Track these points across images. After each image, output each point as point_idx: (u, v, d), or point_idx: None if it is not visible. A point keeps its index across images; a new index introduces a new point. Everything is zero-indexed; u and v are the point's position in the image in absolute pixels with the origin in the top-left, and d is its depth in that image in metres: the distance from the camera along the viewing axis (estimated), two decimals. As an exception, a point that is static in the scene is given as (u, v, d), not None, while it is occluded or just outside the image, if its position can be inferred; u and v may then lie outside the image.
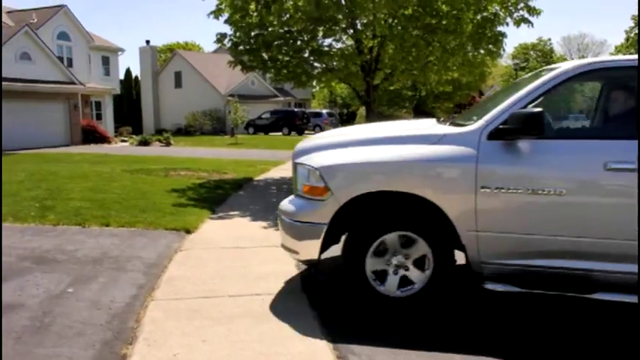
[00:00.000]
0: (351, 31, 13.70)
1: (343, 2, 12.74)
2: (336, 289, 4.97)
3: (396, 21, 13.03)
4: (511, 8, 12.91)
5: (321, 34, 13.92)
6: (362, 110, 39.76)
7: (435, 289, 4.39)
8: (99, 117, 33.07)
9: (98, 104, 33.37)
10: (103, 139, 29.46)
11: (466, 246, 4.27)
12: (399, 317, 4.29)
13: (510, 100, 4.23)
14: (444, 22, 12.48)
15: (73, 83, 28.60)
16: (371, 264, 4.38)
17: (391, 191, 4.30)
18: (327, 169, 4.38)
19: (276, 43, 13.65)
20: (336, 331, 3.99)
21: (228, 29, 14.47)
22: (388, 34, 12.77)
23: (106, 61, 36.26)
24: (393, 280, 4.40)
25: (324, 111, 47.60)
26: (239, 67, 14.98)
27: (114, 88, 35.31)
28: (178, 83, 45.03)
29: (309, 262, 4.81)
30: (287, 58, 14.13)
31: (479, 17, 12.91)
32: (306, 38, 13.99)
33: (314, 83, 16.97)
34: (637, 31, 16.94)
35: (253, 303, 4.53)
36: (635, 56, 4.15)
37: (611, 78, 4.72)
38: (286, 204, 4.72)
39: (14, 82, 24.41)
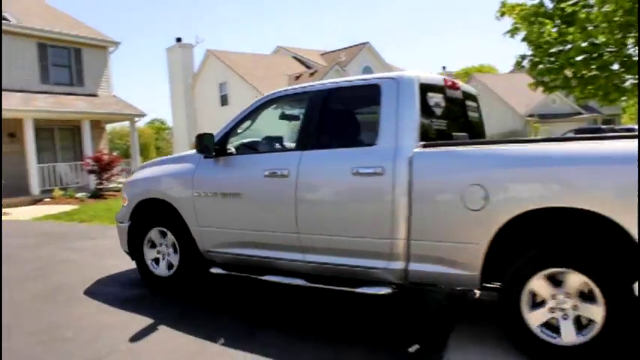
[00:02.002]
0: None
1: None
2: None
3: None
4: None
5: (631, 41, 12.68)
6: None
7: (189, 269, 5.63)
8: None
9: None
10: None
11: (195, 238, 5.52)
12: (167, 291, 5.72)
13: (222, 127, 5.54)
14: None
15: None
16: (148, 253, 5.91)
17: (153, 198, 5.85)
18: (125, 184, 6.51)
19: (579, 58, 12.84)
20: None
21: (525, 48, 14.14)
22: None
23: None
24: (163, 264, 5.85)
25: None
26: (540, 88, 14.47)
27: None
28: (475, 106, 45.02)
29: (127, 254, 6.21)
30: (592, 74, 13.16)
31: None
32: (613, 49, 12.88)
33: (623, 98, 15.48)
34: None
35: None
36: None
37: (285, 104, 5.83)
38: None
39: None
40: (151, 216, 5.90)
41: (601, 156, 3.55)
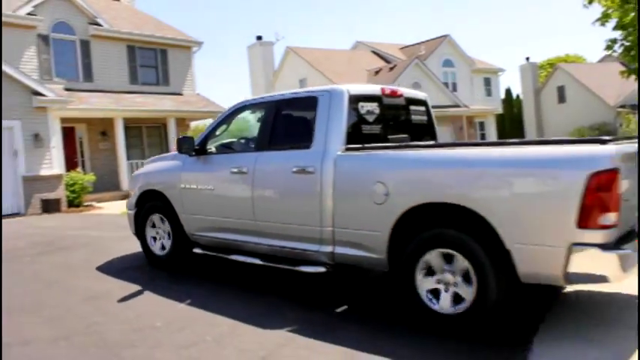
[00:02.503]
0: None
1: None
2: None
3: None
4: None
5: None
6: None
7: (180, 249, 6.78)
8: (482, 137, 34.07)
9: (482, 124, 34.43)
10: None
11: (182, 223, 6.61)
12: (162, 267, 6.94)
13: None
14: None
15: (458, 106, 30.26)
16: (150, 232, 7.13)
17: (151, 190, 7.03)
18: (132, 177, 7.83)
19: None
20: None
21: (615, 34, 13.44)
22: None
23: (487, 82, 37.53)
24: (158, 245, 7.07)
25: None
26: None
27: (496, 108, 36.05)
28: (562, 98, 43.22)
29: (136, 236, 7.34)
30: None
31: None
32: None
33: None
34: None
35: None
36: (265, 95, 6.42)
37: (250, 111, 6.53)
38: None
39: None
40: (151, 204, 7.06)
41: (469, 160, 4.32)
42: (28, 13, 18.79)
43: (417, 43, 35.89)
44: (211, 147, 6.48)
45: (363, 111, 5.50)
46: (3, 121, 14.49)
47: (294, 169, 5.32)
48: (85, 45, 20.31)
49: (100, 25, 20.57)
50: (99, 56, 20.56)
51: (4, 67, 14.67)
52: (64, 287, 6.42)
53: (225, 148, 6.60)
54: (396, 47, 37.21)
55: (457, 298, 4.29)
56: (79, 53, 20.15)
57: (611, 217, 3.76)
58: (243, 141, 6.65)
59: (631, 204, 4.07)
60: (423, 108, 6.36)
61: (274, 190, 5.67)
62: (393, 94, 5.92)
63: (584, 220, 3.77)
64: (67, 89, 18.78)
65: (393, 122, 6.01)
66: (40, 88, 15.36)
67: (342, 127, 5.21)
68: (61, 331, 4.84)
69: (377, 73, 30.22)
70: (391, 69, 29.85)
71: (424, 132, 6.28)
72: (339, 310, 5.09)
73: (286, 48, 32.08)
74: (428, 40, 35.33)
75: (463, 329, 4.22)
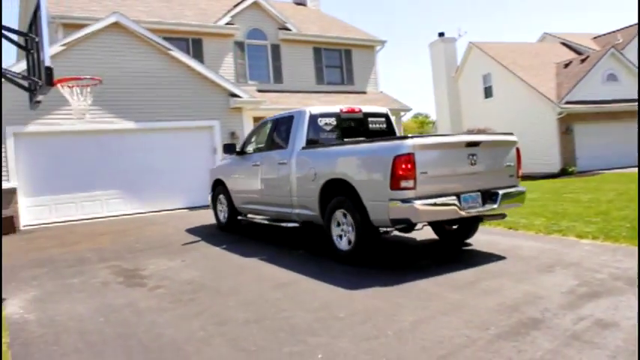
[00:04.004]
0: None
1: None
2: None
3: None
4: None
5: None
6: None
7: (234, 217, 10.40)
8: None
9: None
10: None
11: (232, 199, 10.14)
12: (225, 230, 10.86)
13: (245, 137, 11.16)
14: None
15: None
16: (219, 208, 10.88)
17: (217, 179, 10.77)
18: (209, 171, 11.62)
19: None
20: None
21: None
22: None
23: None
24: (222, 215, 10.84)
25: None
26: None
27: None
28: None
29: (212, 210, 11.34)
30: None
31: None
32: None
33: None
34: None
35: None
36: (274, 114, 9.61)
37: (269, 125, 9.31)
38: None
39: (602, 104, 24.86)
40: (218, 188, 10.77)
41: (346, 152, 7.16)
42: (227, 23, 20.25)
43: (613, 32, 32.68)
44: (249, 149, 9.77)
45: (321, 124, 8.28)
46: (205, 121, 15.80)
47: (279, 162, 8.44)
48: (276, 49, 21.39)
49: (288, 29, 21.54)
50: (288, 59, 21.55)
51: (207, 73, 15.95)
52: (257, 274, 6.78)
53: (253, 150, 9.64)
54: (587, 37, 34.23)
55: (350, 242, 6.92)
56: (269, 57, 21.29)
57: (409, 183, 6.14)
58: (261, 145, 9.41)
59: (429, 176, 6.24)
60: (382, 119, 8.87)
61: (270, 175, 8.77)
62: (351, 112, 8.59)
63: (393, 185, 6.18)
64: (259, 90, 19.96)
65: (352, 130, 8.52)
66: (236, 90, 16.46)
67: (302, 135, 8.12)
68: (253, 314, 5.01)
69: (566, 65, 28.00)
70: (582, 61, 27.46)
71: (383, 136, 8.53)
72: (299, 251, 8.17)
73: (469, 44, 31.00)
74: (626, 27, 31.99)
75: (353, 259, 6.85)
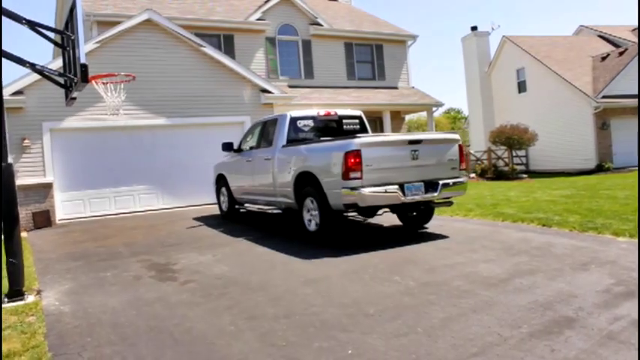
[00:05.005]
0: None
1: None
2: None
3: None
4: None
5: None
6: None
7: (233, 207, 11.95)
8: None
9: None
10: None
11: (232, 192, 11.59)
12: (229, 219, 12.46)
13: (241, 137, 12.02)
14: None
15: None
16: (221, 199, 12.37)
17: (220, 173, 12.31)
18: (214, 166, 12.81)
19: None
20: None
21: None
22: None
23: None
24: (224, 205, 12.36)
25: None
26: None
27: None
28: None
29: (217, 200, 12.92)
30: None
31: None
32: None
33: None
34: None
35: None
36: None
37: (262, 126, 10.72)
38: None
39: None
40: (221, 182, 12.21)
41: (311, 149, 8.61)
42: (258, 19, 20.35)
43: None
44: (245, 147, 11.05)
45: (300, 125, 9.66)
46: (236, 116, 15.94)
47: (265, 158, 9.81)
48: (307, 44, 21.43)
49: (319, 24, 21.55)
50: (319, 54, 21.58)
51: (238, 69, 16.05)
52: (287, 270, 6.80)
53: (249, 148, 10.88)
54: (625, 29, 33.40)
55: (316, 225, 8.29)
56: (300, 52, 21.35)
57: (357, 174, 7.45)
58: (254, 144, 10.70)
59: (374, 168, 7.57)
60: (356, 120, 10.26)
61: (259, 170, 10.07)
62: (327, 115, 9.98)
63: (344, 175, 7.49)
64: (290, 86, 20.03)
65: (327, 131, 9.80)
66: (267, 86, 16.51)
67: (284, 135, 9.49)
68: (282, 309, 5.04)
69: (603, 59, 27.39)
70: (620, 54, 26.82)
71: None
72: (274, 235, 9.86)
73: (502, 37, 30.55)
74: (667, 19, 31.09)
75: (319, 239, 8.22)
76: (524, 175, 23.50)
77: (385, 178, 7.70)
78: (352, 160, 7.44)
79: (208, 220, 11.94)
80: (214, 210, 13.16)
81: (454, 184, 8.33)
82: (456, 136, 8.68)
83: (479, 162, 25.63)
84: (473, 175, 23.41)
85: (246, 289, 5.91)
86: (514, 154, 25.57)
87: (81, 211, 14.13)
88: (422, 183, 7.98)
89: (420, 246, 7.77)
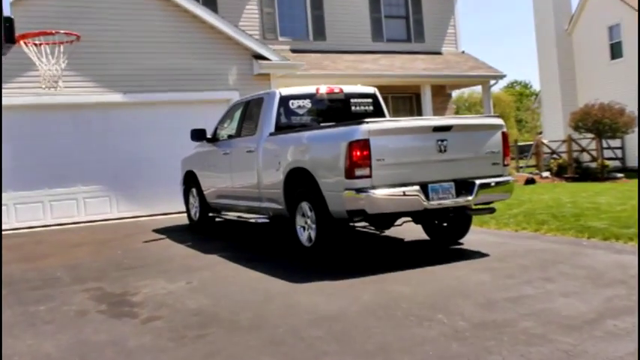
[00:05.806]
0: None
1: None
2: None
3: None
4: None
5: None
6: None
7: (205, 213, 12.34)
8: None
9: None
10: None
11: (205, 195, 11.97)
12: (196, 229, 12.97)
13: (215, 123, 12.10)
14: None
15: None
16: (191, 202, 12.67)
17: (189, 170, 12.72)
18: (181, 161, 13.25)
19: None
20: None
21: None
22: None
23: None
24: (193, 212, 12.68)
25: None
26: None
27: None
28: None
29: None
30: None
31: None
32: None
33: None
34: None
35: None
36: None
37: (241, 108, 11.12)
38: None
39: None
40: (190, 181, 12.53)
41: (310, 137, 8.81)
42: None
43: None
44: (222, 134, 11.41)
45: (293, 107, 9.71)
46: (219, 92, 16.01)
47: (247, 150, 10.03)
48: (317, -7, 21.37)
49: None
50: (333, 6, 21.48)
51: (222, 26, 16.04)
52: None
53: (226, 137, 11.23)
54: None
55: (309, 239, 8.54)
56: (308, 4, 21.27)
57: (364, 172, 7.44)
58: (232, 131, 11.06)
59: (388, 163, 7.59)
60: (369, 100, 10.36)
61: (239, 164, 10.41)
62: (330, 92, 10.03)
63: (348, 173, 7.50)
64: (294, 50, 20.08)
65: (330, 114, 9.92)
66: (262, 50, 16.57)
67: (271, 119, 9.60)
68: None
69: None
70: None
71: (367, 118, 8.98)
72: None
73: (589, -18, 30.49)
74: None
75: (324, 259, 8.40)
76: (620, 175, 23.36)
77: (402, 177, 7.71)
78: (358, 153, 7.44)
79: (180, 234, 12.07)
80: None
81: (496, 184, 8.30)
82: (499, 121, 8.70)
83: (555, 156, 25.47)
84: (546, 173, 23.32)
85: (232, 330, 5.89)
86: (605, 144, 25.40)
87: (4, 221, 14.07)
88: (452, 183, 7.99)
89: (468, 271, 7.70)
